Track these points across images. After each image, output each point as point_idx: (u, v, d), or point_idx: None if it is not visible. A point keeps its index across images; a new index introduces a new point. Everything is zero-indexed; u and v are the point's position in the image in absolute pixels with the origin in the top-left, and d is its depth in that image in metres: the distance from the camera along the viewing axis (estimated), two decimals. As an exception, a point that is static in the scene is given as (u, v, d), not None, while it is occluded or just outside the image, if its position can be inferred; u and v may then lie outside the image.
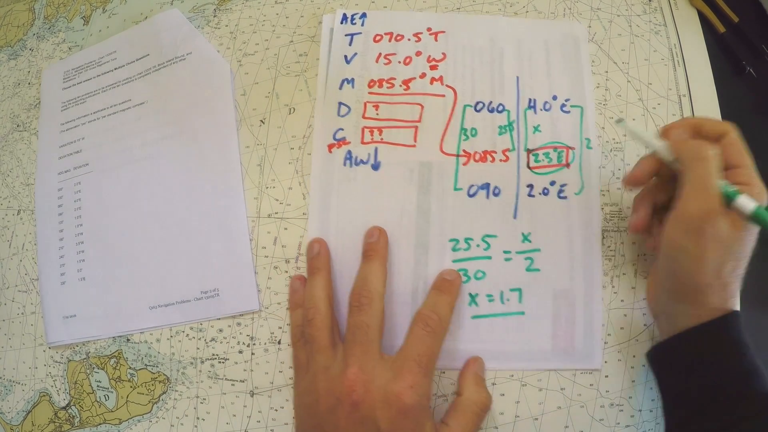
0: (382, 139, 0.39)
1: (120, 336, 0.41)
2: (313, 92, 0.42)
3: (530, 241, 0.37)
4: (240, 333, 0.39)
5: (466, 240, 0.37)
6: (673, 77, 0.42)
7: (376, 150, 0.39)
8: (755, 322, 0.38)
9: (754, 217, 0.29)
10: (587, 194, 0.38)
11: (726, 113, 0.41)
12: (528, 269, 0.37)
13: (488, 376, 0.36)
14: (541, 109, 0.40)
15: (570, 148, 0.39)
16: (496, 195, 0.38)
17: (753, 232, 0.30)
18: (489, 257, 0.37)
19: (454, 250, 0.37)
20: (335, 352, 0.34)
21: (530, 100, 0.40)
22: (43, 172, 0.46)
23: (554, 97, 0.40)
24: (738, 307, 0.31)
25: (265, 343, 0.39)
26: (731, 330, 0.30)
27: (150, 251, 0.41)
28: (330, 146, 0.40)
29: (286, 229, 0.40)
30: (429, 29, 0.42)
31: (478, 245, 0.37)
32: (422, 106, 0.40)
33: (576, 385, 0.37)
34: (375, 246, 0.36)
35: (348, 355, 0.32)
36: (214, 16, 0.45)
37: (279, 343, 0.38)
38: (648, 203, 0.35)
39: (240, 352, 0.39)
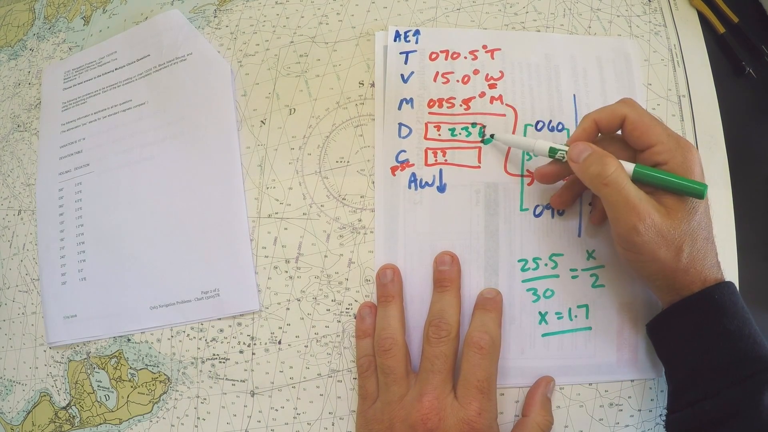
0: (446, 160, 0.39)
1: (121, 336, 0.41)
2: (313, 92, 0.42)
3: (595, 258, 0.38)
4: (240, 333, 0.39)
5: (534, 260, 0.38)
6: (672, 78, 0.42)
7: (440, 172, 0.39)
8: (755, 322, 0.38)
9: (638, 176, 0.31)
10: None
11: (726, 113, 0.41)
12: (594, 285, 0.37)
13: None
14: None
15: None
16: (560, 214, 0.38)
17: (687, 210, 0.31)
18: (557, 276, 0.37)
19: (522, 270, 0.38)
20: (409, 381, 0.34)
21: None
22: (44, 173, 0.46)
23: None
24: (722, 276, 0.32)
25: (266, 343, 0.39)
26: (713, 300, 0.31)
27: (151, 251, 0.41)
28: (393, 169, 0.39)
29: (286, 229, 0.40)
30: (485, 47, 0.41)
31: (546, 264, 0.38)
32: (484, 126, 0.40)
33: (575, 384, 0.37)
34: (448, 275, 0.36)
35: (425, 384, 0.33)
36: (215, 17, 0.45)
37: (279, 343, 0.38)
38: (571, 189, 0.37)
39: (240, 352, 0.39)
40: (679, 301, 0.32)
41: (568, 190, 0.37)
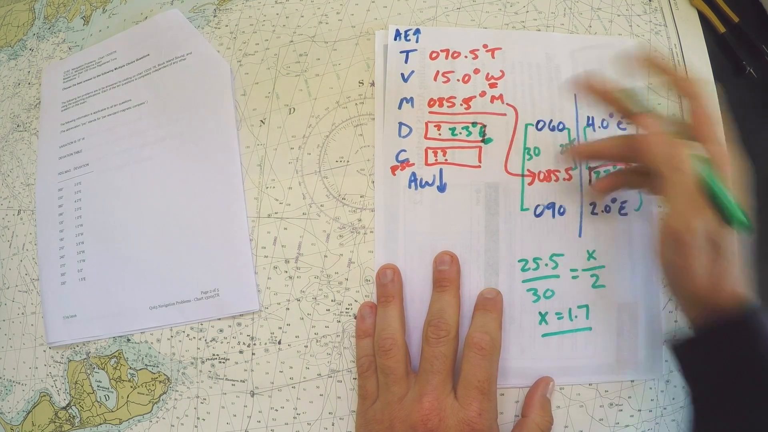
0: (446, 160, 0.39)
1: (120, 336, 0.41)
2: (313, 92, 0.42)
3: (595, 258, 0.38)
4: (240, 333, 0.39)
5: (535, 260, 0.38)
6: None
7: (441, 171, 0.39)
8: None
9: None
10: (646, 209, 0.38)
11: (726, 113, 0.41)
12: (594, 286, 0.37)
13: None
14: (599, 127, 0.40)
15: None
16: (561, 214, 0.38)
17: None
18: (557, 276, 0.37)
19: (523, 270, 0.37)
20: (409, 382, 0.34)
21: (588, 117, 0.40)
22: (44, 173, 0.46)
23: (611, 115, 0.40)
24: (750, 295, 0.30)
25: (266, 343, 0.39)
26: (751, 327, 0.29)
27: (150, 251, 0.41)
28: (393, 168, 0.39)
29: (285, 229, 0.40)
30: (485, 46, 0.41)
31: (546, 264, 0.37)
32: (485, 126, 0.40)
33: (575, 384, 0.37)
34: (448, 275, 0.36)
35: (424, 384, 0.33)
36: (214, 16, 0.45)
37: (279, 343, 0.38)
38: (620, 177, 0.37)
39: (240, 352, 0.39)
40: (714, 323, 0.30)
41: (616, 178, 0.36)
